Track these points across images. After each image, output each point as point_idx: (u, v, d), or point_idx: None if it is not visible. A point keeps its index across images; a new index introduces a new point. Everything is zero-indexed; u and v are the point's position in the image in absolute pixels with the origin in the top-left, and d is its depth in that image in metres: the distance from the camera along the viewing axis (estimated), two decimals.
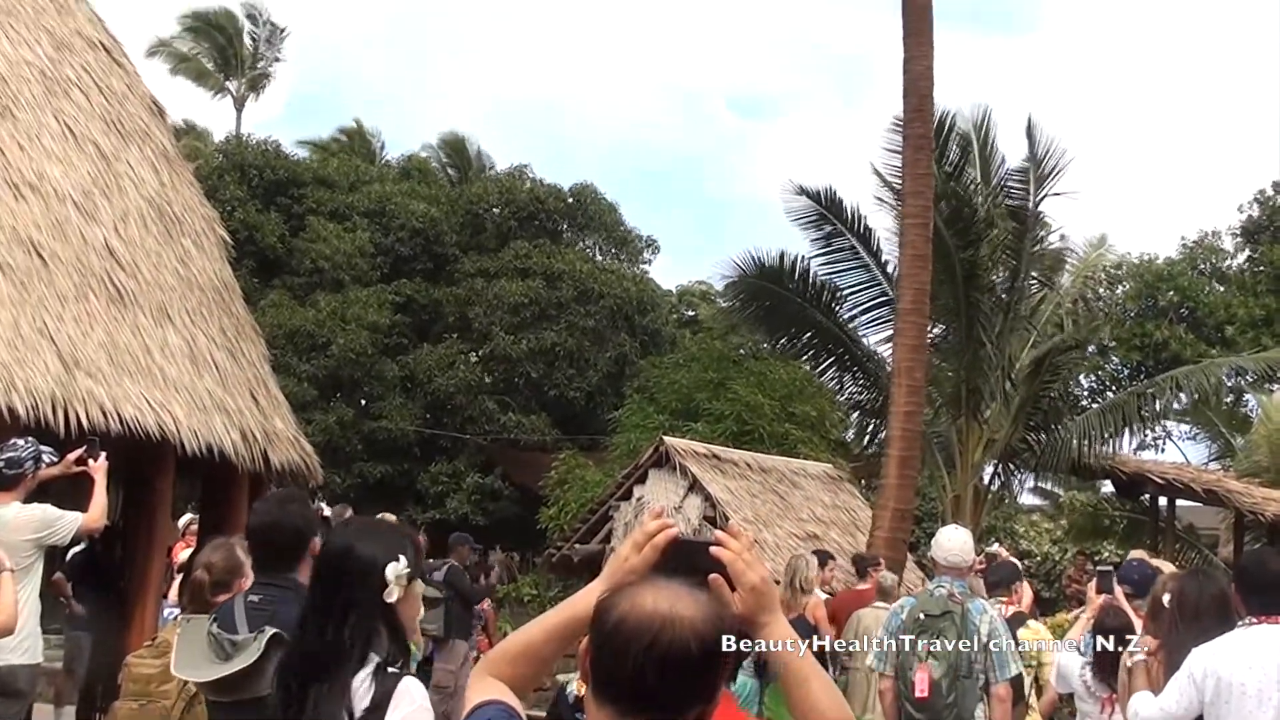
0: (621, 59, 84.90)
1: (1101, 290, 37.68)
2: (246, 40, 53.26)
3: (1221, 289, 40.07)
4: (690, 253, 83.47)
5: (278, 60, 54.33)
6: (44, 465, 8.67)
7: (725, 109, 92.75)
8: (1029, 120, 24.22)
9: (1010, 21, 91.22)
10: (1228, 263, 41.79)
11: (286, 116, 78.63)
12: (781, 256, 24.81)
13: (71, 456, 8.98)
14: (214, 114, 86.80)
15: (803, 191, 24.01)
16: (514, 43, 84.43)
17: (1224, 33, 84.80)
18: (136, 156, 14.63)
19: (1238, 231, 41.35)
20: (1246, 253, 41.04)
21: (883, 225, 23.84)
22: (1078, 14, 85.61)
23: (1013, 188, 24.44)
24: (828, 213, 24.12)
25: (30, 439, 8.80)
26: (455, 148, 48.43)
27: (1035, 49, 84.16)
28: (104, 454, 9.04)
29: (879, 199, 23.79)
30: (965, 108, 24.94)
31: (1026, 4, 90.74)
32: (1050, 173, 23.91)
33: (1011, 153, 24.75)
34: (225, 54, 52.89)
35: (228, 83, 53.22)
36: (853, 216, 24.23)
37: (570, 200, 41.67)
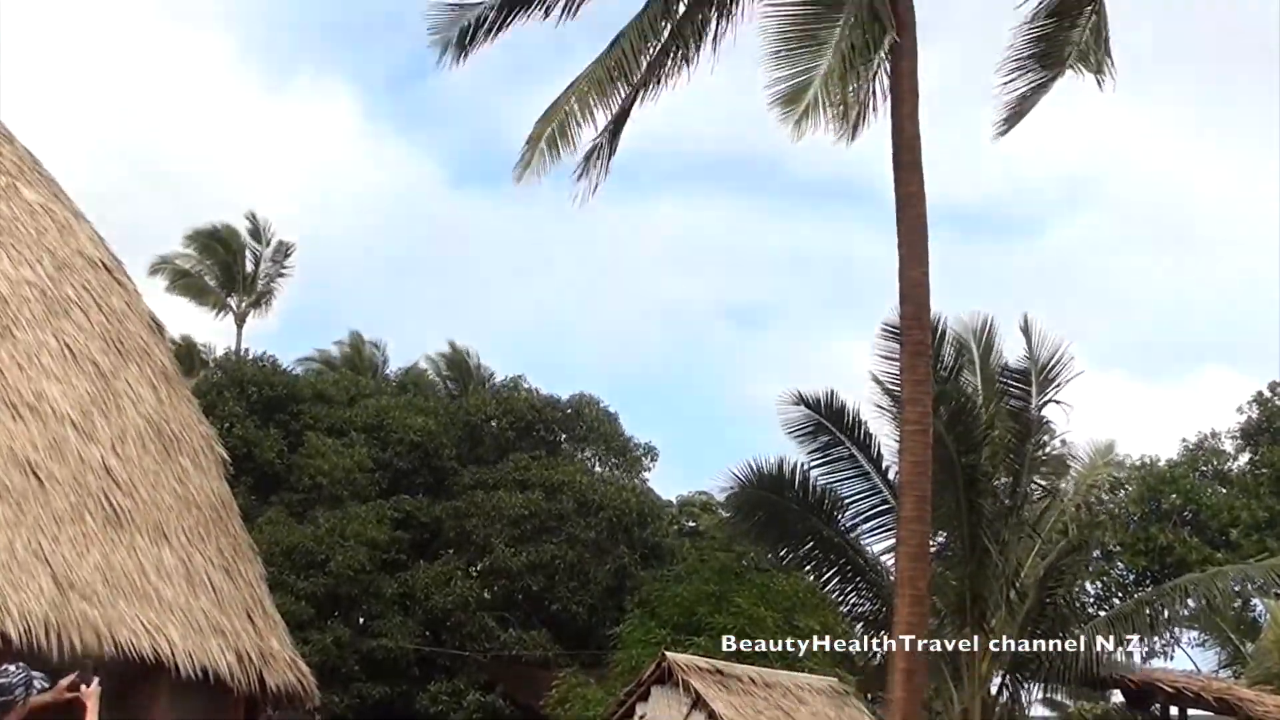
0: (618, 269, 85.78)
1: (1104, 494, 37.57)
2: (249, 257, 53.84)
3: (1224, 491, 39.99)
4: (691, 462, 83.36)
5: (281, 276, 54.80)
6: (35, 692, 8.45)
7: (721, 317, 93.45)
8: (1025, 321, 24.37)
9: (1011, 228, 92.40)
10: (1229, 464, 41.81)
11: (286, 330, 79.10)
12: (780, 465, 24.69)
13: (64, 683, 8.75)
14: (215, 328, 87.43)
15: (801, 400, 23.97)
16: (512, 258, 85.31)
17: (1215, 241, 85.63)
18: (135, 375, 14.64)
19: (1237, 434, 41.45)
20: (1248, 455, 41.08)
21: (882, 431, 23.80)
22: (1077, 223, 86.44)
23: (1013, 391, 24.45)
24: (826, 420, 24.04)
25: (22, 664, 8.60)
26: (455, 361, 48.77)
27: (1038, 255, 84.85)
28: (96, 679, 8.84)
29: (878, 406, 23.75)
30: (965, 313, 25.08)
31: (1029, 212, 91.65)
32: (1052, 378, 23.99)
33: (1012, 357, 24.80)
34: (229, 271, 53.44)
35: (229, 299, 53.67)
36: (852, 423, 24.17)
37: (569, 411, 41.81)
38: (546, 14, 19.24)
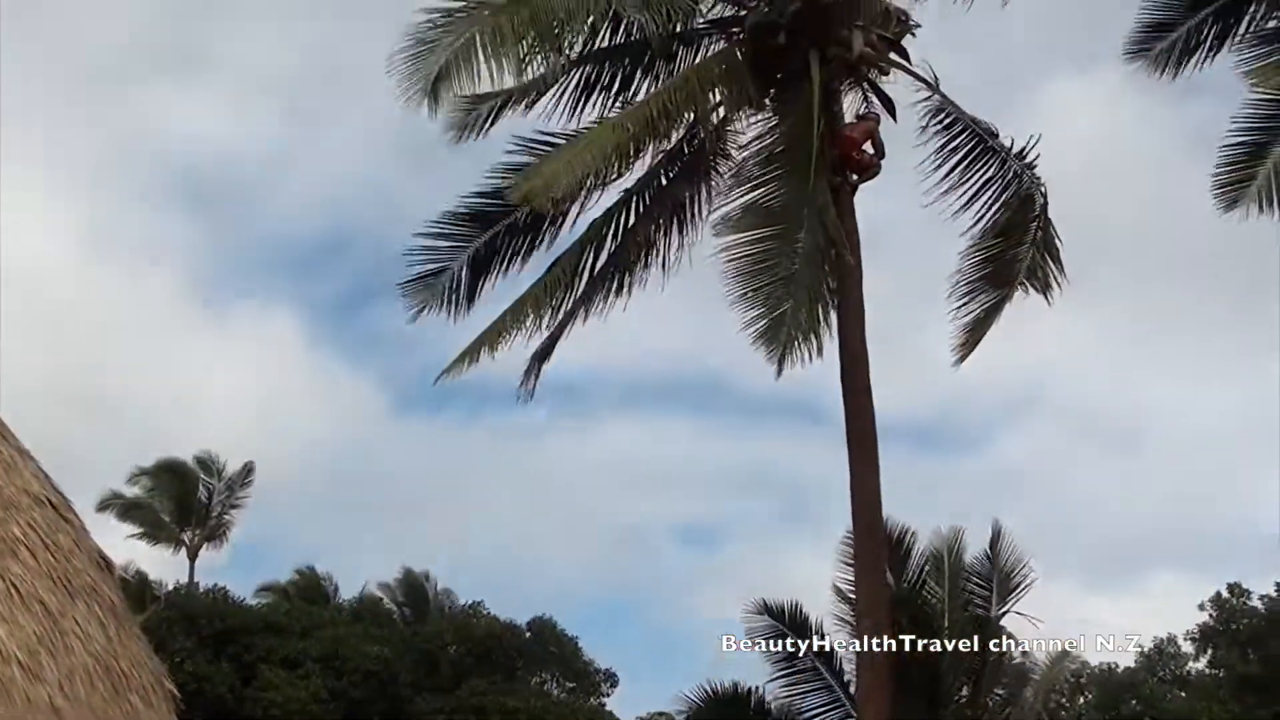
0: (572, 491, 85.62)
1: (1064, 700, 37.36)
2: (202, 490, 53.61)
3: (1184, 695, 39.84)
4: (651, 682, 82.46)
5: (235, 507, 54.50)
6: None
7: (676, 536, 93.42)
8: (995, 528, 24.25)
9: (960, 438, 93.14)
10: (1188, 666, 41.75)
11: (234, 561, 78.03)
12: (735, 686, 24.36)
13: None
14: (166, 560, 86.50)
15: (766, 609, 23.82)
16: (464, 483, 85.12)
17: (1160, 447, 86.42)
18: (83, 613, 14.42)
19: (1195, 636, 41.42)
20: (1207, 657, 41.01)
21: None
22: (1024, 432, 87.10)
23: (976, 599, 24.30)
24: (790, 631, 23.88)
25: None
26: (412, 586, 48.41)
27: (987, 465, 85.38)
28: None
29: (839, 618, 23.56)
30: (943, 525, 24.94)
31: (977, 422, 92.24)
32: (1014, 587, 23.85)
33: (976, 565, 24.69)
34: (183, 504, 53.14)
35: (183, 533, 53.29)
36: (815, 633, 23.98)
37: (529, 635, 41.58)
38: (505, 274, 19.51)
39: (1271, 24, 18.51)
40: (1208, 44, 19.39)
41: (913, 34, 18.63)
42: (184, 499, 53.05)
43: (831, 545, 22.45)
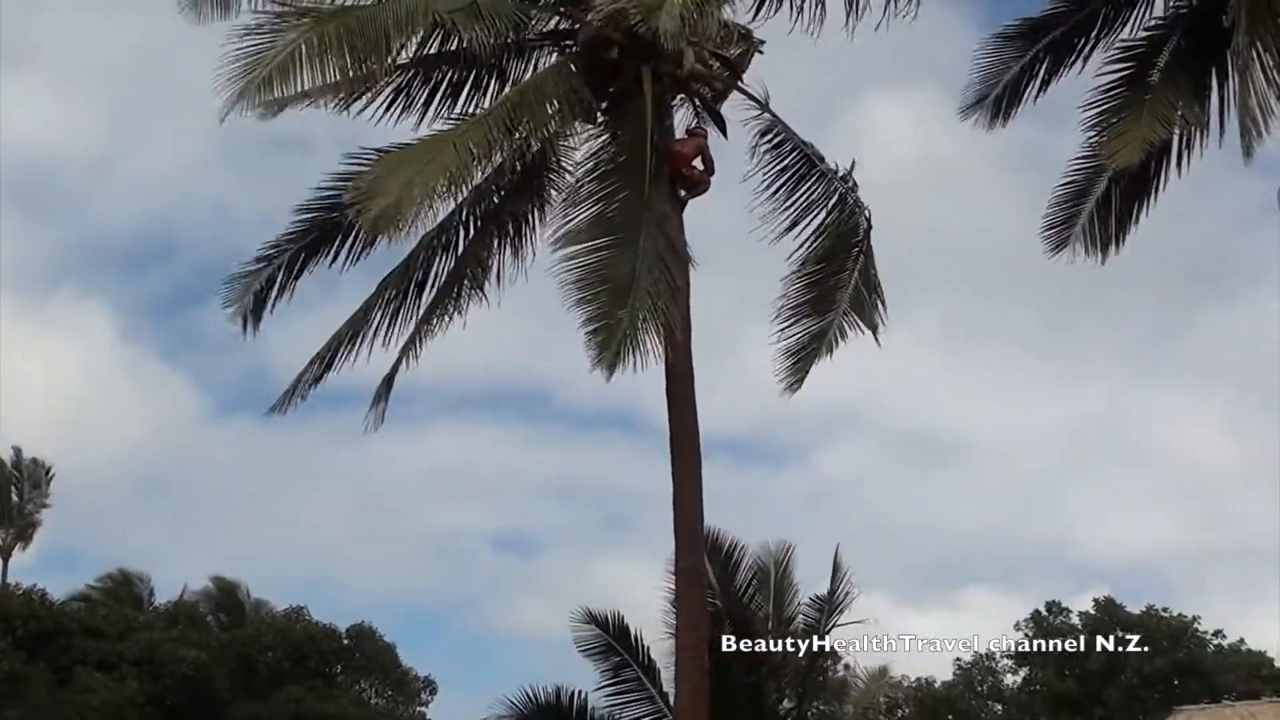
0: (391, 497, 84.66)
1: (881, 716, 37.87)
2: (12, 488, 52.22)
3: (1000, 709, 40.63)
4: (471, 690, 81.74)
5: (45, 507, 53.15)
6: None
7: (493, 544, 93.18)
8: (836, 554, 24.42)
9: (778, 454, 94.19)
10: (1007, 679, 42.56)
11: (45, 561, 75.61)
12: (559, 692, 24.29)
13: None
14: None
15: (591, 618, 23.75)
16: (283, 487, 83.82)
17: (973, 464, 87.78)
18: None
19: (1012, 653, 42.25)
20: (1023, 673, 41.84)
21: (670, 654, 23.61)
22: (840, 448, 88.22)
23: (805, 617, 24.49)
24: (615, 642, 23.87)
25: None
26: (225, 592, 47.59)
27: (804, 481, 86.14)
28: None
29: (668, 629, 23.54)
30: (771, 540, 25.12)
31: (793, 439, 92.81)
32: (840, 607, 24.07)
33: (805, 583, 24.84)
34: None
35: None
36: (636, 645, 24.00)
37: (348, 641, 41.26)
38: (333, 263, 19.11)
39: (1111, 69, 18.76)
40: (1039, 81, 19.66)
41: (760, 51, 18.76)
42: None
43: (655, 555, 22.55)
